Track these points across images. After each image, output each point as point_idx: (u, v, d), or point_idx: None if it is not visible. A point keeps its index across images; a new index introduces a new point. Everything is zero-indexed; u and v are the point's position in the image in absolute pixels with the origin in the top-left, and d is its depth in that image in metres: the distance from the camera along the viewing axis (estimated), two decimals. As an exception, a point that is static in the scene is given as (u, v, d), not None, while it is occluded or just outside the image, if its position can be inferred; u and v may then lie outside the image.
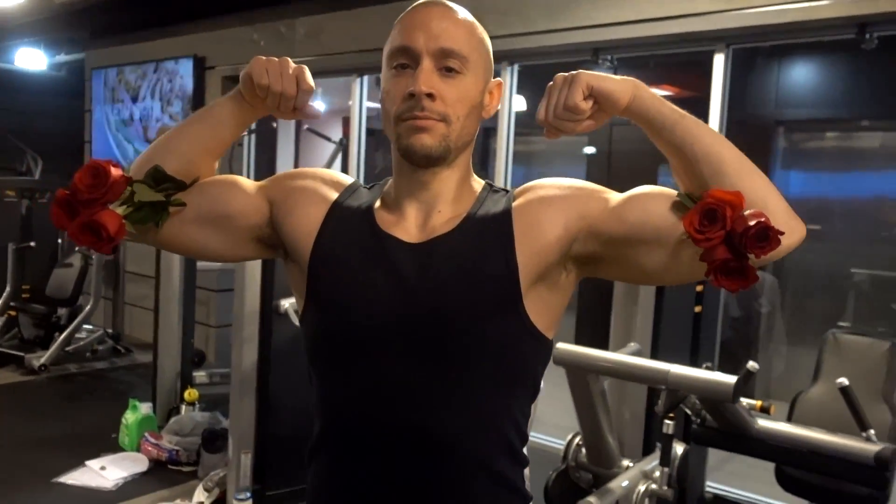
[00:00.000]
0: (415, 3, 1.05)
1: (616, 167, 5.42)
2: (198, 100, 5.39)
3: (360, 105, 4.76)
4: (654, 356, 2.43)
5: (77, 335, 5.12)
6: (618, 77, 0.97)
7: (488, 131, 6.40)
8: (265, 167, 5.68)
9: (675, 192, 0.98)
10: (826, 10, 3.00)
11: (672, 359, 2.20)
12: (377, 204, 1.07)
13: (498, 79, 1.08)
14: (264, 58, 1.01)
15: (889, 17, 2.91)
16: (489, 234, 1.01)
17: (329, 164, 4.54)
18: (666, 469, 1.96)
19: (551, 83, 0.98)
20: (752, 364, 1.96)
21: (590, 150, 5.84)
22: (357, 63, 4.58)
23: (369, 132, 4.92)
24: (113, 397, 4.50)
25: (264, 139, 5.65)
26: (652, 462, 2.08)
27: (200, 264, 4.23)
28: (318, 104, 6.81)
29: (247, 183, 1.10)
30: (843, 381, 1.90)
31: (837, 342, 2.45)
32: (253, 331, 3.06)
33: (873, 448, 1.82)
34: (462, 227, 1.02)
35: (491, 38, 1.08)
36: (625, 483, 1.99)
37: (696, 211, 0.87)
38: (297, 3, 4.84)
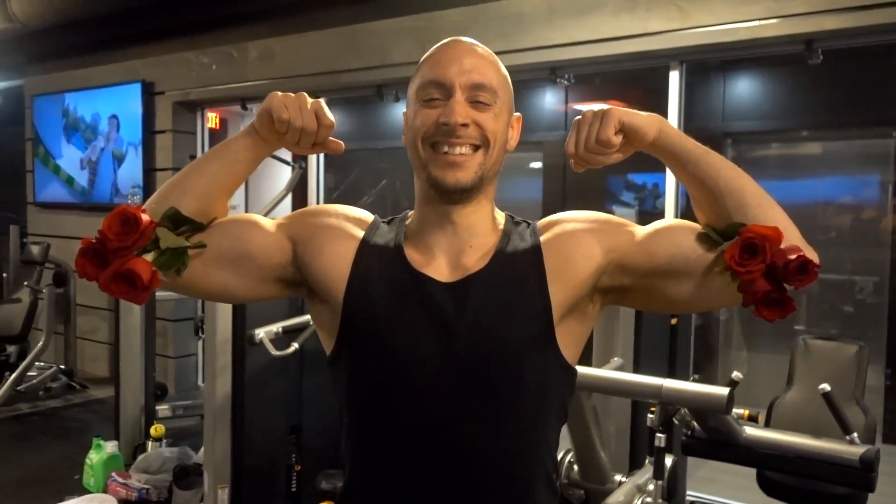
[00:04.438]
0: (441, 42, 1.06)
1: (570, 179, 5.53)
2: (147, 126, 5.27)
3: (318, 128, 4.72)
4: (636, 370, 2.48)
5: (28, 373, 4.90)
6: (644, 113, 1.00)
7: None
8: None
9: (698, 225, 1.01)
10: (774, 28, 3.13)
11: (652, 371, 2.24)
12: (404, 241, 1.06)
13: (518, 113, 1.10)
14: (281, 93, 1.00)
15: (833, 33, 3.06)
16: (522, 270, 1.02)
17: (290, 188, 4.49)
18: (660, 482, 2.00)
19: (579, 118, 1.00)
20: (736, 374, 2.01)
21: (536, 164, 5.96)
22: (312, 86, 4.55)
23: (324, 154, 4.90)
24: (71, 436, 4.33)
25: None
26: (644, 476, 2.12)
27: (158, 293, 4.13)
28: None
29: (266, 222, 1.09)
30: (825, 386, 1.97)
31: (808, 347, 2.55)
32: (226, 361, 2.99)
33: (858, 450, 1.89)
34: (494, 264, 1.03)
35: None
36: (620, 499, 2.01)
37: (736, 245, 0.90)
38: (246, 27, 4.78)
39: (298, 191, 4.89)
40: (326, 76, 4.41)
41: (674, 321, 2.67)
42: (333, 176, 6.60)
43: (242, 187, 6.25)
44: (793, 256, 0.87)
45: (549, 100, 5.70)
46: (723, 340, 4.95)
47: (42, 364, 5.15)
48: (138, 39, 5.26)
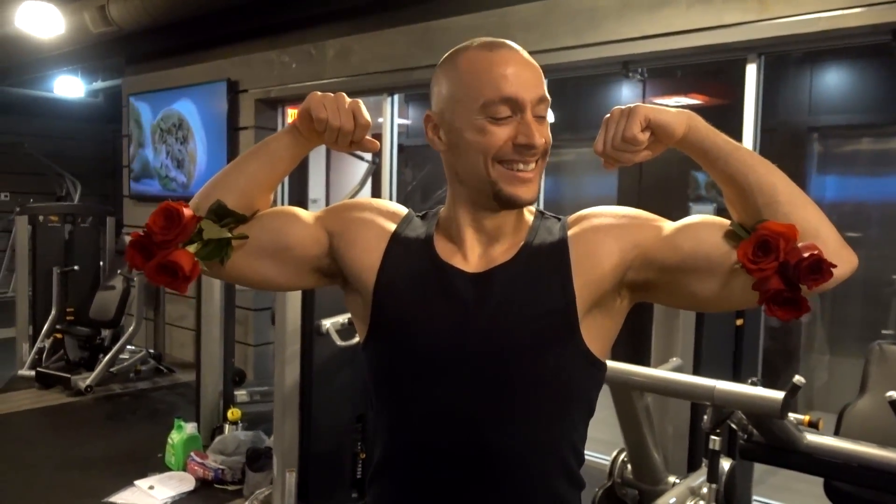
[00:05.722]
0: (489, 47, 1.01)
1: (647, 174, 5.42)
2: (232, 122, 5.50)
3: (392, 123, 4.82)
4: (696, 371, 2.43)
5: (120, 356, 5.23)
6: (673, 109, 0.99)
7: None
8: (297, 185, 5.77)
9: (727, 222, 1.00)
10: (857, 18, 2.98)
11: (715, 373, 2.19)
12: (435, 234, 1.09)
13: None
14: (320, 93, 1.04)
15: (922, 23, 2.89)
16: (546, 263, 1.03)
17: (363, 183, 4.60)
18: (713, 485, 1.96)
19: (608, 115, 1.00)
20: (798, 378, 1.94)
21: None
22: (387, 82, 4.65)
23: (399, 149, 4.99)
24: (157, 417, 4.60)
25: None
26: (699, 478, 2.08)
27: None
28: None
29: (305, 214, 1.13)
30: (893, 394, 1.88)
31: (883, 353, 2.42)
32: (295, 350, 3.10)
33: (926, 462, 1.80)
34: (520, 256, 1.04)
35: None
36: (672, 500, 1.99)
37: (749, 242, 0.89)
38: (324, 26, 4.93)
39: (376, 184, 5.01)
40: (400, 73, 4.49)
41: (739, 322, 2.59)
42: (411, 171, 6.71)
43: (323, 181, 6.47)
44: (806, 255, 0.85)
45: (627, 94, 5.60)
46: (804, 343, 4.75)
47: (133, 348, 5.49)
48: (224, 40, 5.50)
